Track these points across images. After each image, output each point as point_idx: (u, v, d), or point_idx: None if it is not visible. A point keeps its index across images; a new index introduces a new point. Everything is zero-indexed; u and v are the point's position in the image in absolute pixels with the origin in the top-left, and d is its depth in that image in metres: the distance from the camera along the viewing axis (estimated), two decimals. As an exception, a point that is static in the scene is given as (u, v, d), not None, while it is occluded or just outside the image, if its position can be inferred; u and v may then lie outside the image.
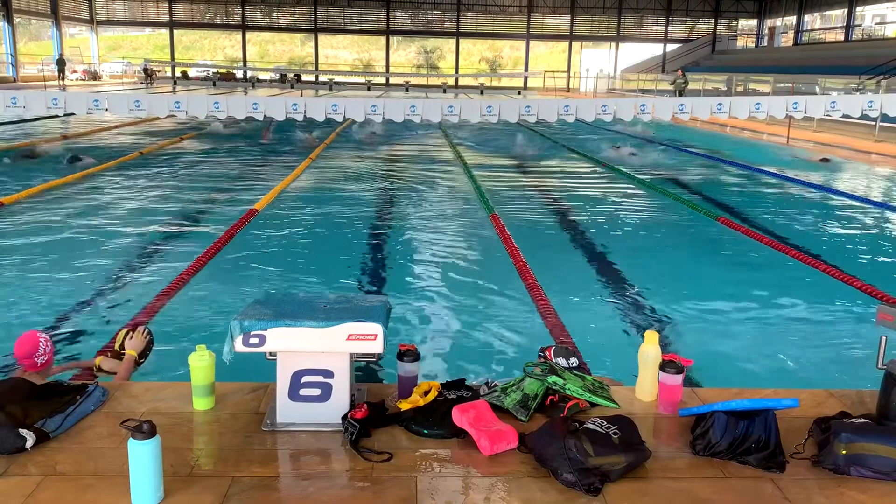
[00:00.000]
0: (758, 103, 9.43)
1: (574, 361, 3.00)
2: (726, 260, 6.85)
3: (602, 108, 9.21)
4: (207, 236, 6.96)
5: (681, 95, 22.84)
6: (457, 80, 47.57)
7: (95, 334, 4.49)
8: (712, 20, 48.94)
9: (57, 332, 4.56)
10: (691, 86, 26.61)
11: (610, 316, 5.22)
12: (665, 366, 2.65)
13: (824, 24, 43.60)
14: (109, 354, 3.24)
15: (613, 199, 9.86)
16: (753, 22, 49.32)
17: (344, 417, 2.45)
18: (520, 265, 5.97)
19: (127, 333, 3.28)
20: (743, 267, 6.53)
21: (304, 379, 2.49)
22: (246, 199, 8.89)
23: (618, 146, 15.12)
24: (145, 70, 41.30)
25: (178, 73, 46.85)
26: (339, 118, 9.00)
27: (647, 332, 2.82)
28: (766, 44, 47.14)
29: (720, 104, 9.43)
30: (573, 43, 50.24)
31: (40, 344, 2.96)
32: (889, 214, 9.29)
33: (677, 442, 2.46)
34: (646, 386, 2.77)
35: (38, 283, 5.54)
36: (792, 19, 44.07)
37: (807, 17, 43.46)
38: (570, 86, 46.55)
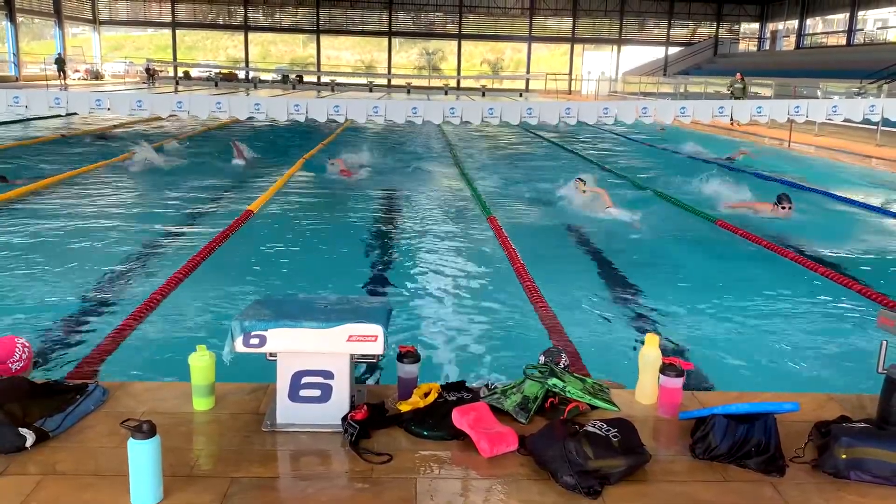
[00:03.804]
0: (759, 107, 9.43)
1: (565, 361, 3.00)
2: (726, 263, 6.84)
3: (604, 111, 9.20)
4: (205, 236, 6.96)
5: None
6: (458, 81, 47.60)
7: (91, 336, 4.47)
8: (714, 23, 48.98)
9: (50, 333, 4.55)
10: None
11: (610, 318, 5.22)
12: (665, 369, 2.65)
13: (826, 28, 43.64)
14: None
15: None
16: (755, 25, 49.37)
17: (344, 418, 2.45)
18: (518, 267, 5.97)
19: None
20: (743, 270, 6.52)
21: (304, 380, 2.50)
22: (243, 199, 8.90)
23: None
24: (147, 70, 41.35)
25: (180, 74, 46.93)
26: (341, 119, 8.99)
27: (648, 335, 2.83)
28: (768, 47, 47.18)
29: (721, 107, 9.43)
30: (575, 45, 50.27)
31: (16, 350, 2.92)
32: (891, 219, 9.29)
33: (677, 445, 2.46)
34: (646, 389, 2.77)
35: (30, 283, 5.53)
36: (794, 23, 44.11)
37: (809, 21, 43.50)
38: (572, 88, 46.58)
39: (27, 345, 2.99)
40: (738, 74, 22.86)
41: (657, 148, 16.99)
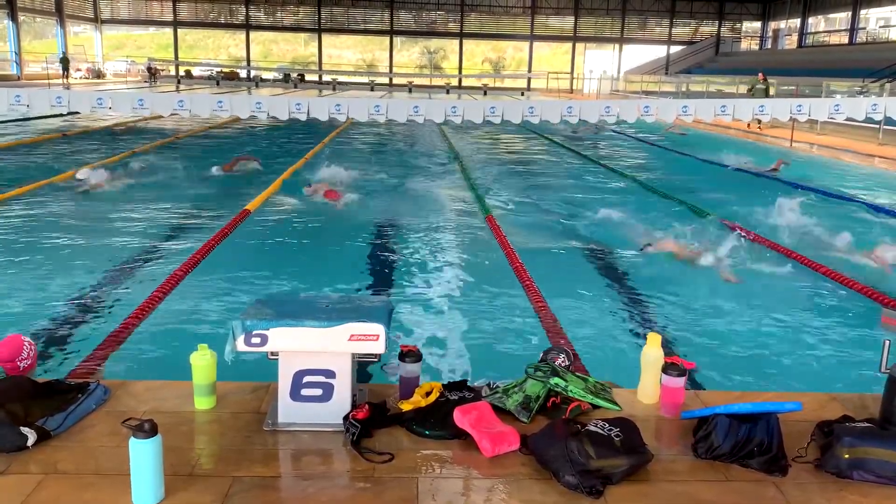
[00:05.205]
0: (762, 106, 9.41)
1: (564, 360, 2.99)
2: (727, 263, 6.82)
3: (605, 110, 9.18)
4: (204, 234, 6.95)
5: None
6: (460, 80, 47.58)
7: (92, 335, 4.47)
8: (716, 22, 48.93)
9: (52, 332, 4.55)
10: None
11: (612, 318, 5.21)
12: (667, 368, 2.65)
13: (828, 27, 43.58)
14: None
15: (612, 200, 9.84)
16: (757, 24, 49.32)
17: (345, 418, 2.45)
18: (516, 266, 5.96)
19: None
20: (745, 270, 6.50)
21: (306, 379, 2.49)
22: (241, 198, 8.90)
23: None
24: (149, 69, 41.37)
25: (181, 72, 46.97)
26: (343, 118, 8.98)
27: (650, 334, 2.82)
28: (769, 46, 47.12)
29: (724, 106, 9.39)
30: (577, 44, 50.24)
31: (24, 348, 2.93)
32: (893, 218, 9.26)
33: (679, 445, 2.46)
34: (648, 388, 2.76)
35: (29, 284, 5.52)
36: (796, 22, 44.05)
37: (811, 20, 43.43)
38: (574, 87, 46.54)
39: (32, 343, 3.01)
40: (761, 74, 21.17)
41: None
